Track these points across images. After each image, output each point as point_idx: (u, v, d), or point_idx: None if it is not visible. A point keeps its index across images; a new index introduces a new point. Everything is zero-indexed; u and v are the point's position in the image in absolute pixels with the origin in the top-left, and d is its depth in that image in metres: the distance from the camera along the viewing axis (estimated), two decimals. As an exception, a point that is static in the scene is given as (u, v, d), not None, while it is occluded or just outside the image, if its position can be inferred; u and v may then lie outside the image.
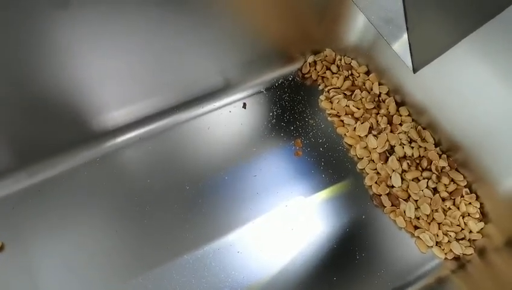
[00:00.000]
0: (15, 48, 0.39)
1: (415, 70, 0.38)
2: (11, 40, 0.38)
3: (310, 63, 0.58)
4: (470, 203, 0.49)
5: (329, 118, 0.55)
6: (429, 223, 0.48)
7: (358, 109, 0.55)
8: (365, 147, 0.53)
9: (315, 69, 0.58)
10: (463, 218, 0.48)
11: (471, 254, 0.47)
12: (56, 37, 0.40)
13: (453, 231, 0.47)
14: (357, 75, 0.57)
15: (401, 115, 0.54)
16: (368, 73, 0.58)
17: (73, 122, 0.48)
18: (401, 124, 0.54)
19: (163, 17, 0.44)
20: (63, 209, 0.47)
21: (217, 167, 0.51)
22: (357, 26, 0.56)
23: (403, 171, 0.51)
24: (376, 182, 0.51)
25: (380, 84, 0.56)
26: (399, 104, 0.55)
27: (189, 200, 0.48)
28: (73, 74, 0.43)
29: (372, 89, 0.56)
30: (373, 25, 0.41)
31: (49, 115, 0.46)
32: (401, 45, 0.40)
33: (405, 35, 0.39)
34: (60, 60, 0.42)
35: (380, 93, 0.56)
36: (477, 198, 0.49)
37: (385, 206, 0.50)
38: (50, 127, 0.47)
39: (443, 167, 0.50)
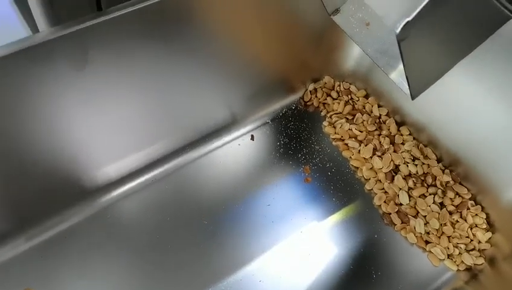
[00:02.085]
0: (8, 113, 0.40)
1: (413, 98, 0.41)
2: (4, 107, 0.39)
3: (310, 91, 0.61)
4: (476, 214, 0.51)
5: (334, 143, 0.58)
6: (439, 237, 0.50)
7: (361, 131, 0.57)
8: (371, 168, 0.55)
9: (316, 96, 0.61)
10: (471, 229, 0.50)
11: (481, 264, 0.49)
12: (50, 100, 0.41)
13: (462, 243, 0.50)
14: (357, 99, 0.60)
15: (402, 135, 0.57)
16: (367, 96, 0.60)
17: (75, 179, 0.49)
18: (403, 143, 0.56)
19: (162, 63, 0.46)
20: (69, 269, 0.47)
21: (230, 200, 0.53)
22: (353, 53, 0.59)
23: (410, 188, 0.53)
24: (385, 201, 0.53)
25: (379, 106, 0.59)
26: (399, 124, 0.58)
27: (206, 235, 0.50)
28: (71, 133, 0.45)
29: (372, 112, 0.59)
30: (370, 57, 0.44)
31: (48, 176, 0.46)
32: (398, 74, 0.43)
33: (401, 66, 0.41)
34: (55, 121, 0.43)
35: (380, 115, 0.58)
36: (483, 209, 0.51)
37: (395, 224, 0.52)
38: (49, 187, 0.47)
39: (447, 182, 0.53)
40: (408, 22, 0.29)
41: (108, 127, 0.48)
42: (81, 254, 0.48)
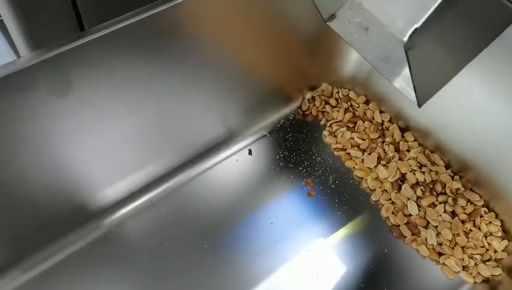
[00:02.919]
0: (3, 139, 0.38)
1: (420, 105, 0.39)
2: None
3: (308, 100, 0.58)
4: (490, 222, 0.48)
5: (335, 153, 0.55)
6: (453, 248, 0.48)
7: (364, 140, 0.55)
8: (376, 178, 0.53)
9: (314, 105, 0.58)
10: (486, 238, 0.48)
11: (499, 275, 0.46)
12: (37, 126, 0.39)
13: (478, 253, 0.47)
14: (357, 105, 0.57)
15: (407, 141, 0.54)
16: (367, 102, 0.58)
17: (71, 205, 0.47)
18: (408, 150, 0.53)
19: (151, 80, 0.44)
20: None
21: (231, 220, 0.50)
22: (351, 58, 0.57)
23: (418, 198, 0.50)
24: (393, 213, 0.50)
25: (381, 112, 0.56)
26: (403, 130, 0.55)
27: (208, 258, 0.48)
28: (67, 158, 0.43)
29: (374, 118, 0.56)
30: (371, 64, 0.41)
31: (46, 203, 0.45)
32: (402, 81, 0.40)
33: (405, 71, 0.39)
34: (45, 147, 0.41)
35: (383, 121, 0.56)
36: (497, 216, 0.49)
37: (405, 236, 0.49)
38: (46, 215, 0.45)
39: (457, 189, 0.50)
40: (417, 29, 0.26)
41: (101, 150, 0.46)
42: (76, 282, 0.46)
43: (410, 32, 0.26)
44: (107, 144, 0.45)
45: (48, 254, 0.47)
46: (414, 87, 0.34)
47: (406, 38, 0.26)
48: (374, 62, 0.41)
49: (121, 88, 0.42)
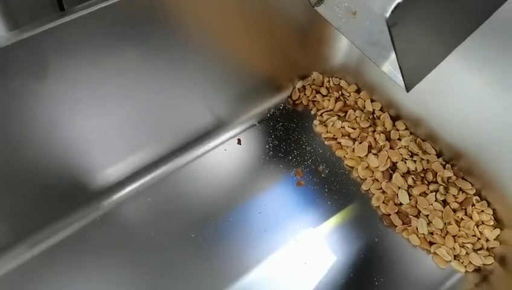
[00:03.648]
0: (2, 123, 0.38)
1: (408, 90, 0.38)
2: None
3: (298, 89, 0.58)
4: (482, 210, 0.47)
5: (326, 142, 0.54)
6: (444, 237, 0.47)
7: (354, 129, 0.54)
8: (367, 167, 0.52)
9: (305, 94, 0.57)
10: (477, 227, 0.47)
11: (491, 264, 0.46)
12: (39, 107, 0.39)
13: (469, 242, 0.46)
14: (348, 94, 0.56)
15: (398, 130, 0.53)
16: (358, 91, 0.57)
17: (64, 188, 0.46)
18: (399, 139, 0.53)
19: (136, 66, 0.43)
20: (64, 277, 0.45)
21: (219, 210, 0.49)
22: (341, 46, 0.56)
23: (409, 186, 0.50)
24: (383, 202, 0.50)
25: (372, 100, 0.56)
26: (394, 119, 0.54)
27: (196, 248, 0.47)
28: (57, 142, 0.42)
29: (365, 107, 0.55)
30: (359, 48, 0.41)
31: (40, 185, 0.44)
32: (390, 66, 0.40)
33: (393, 56, 0.38)
34: (44, 128, 0.41)
35: (374, 110, 0.55)
36: (489, 204, 0.48)
37: (396, 226, 0.48)
38: (39, 198, 0.45)
39: (449, 177, 0.49)
40: (399, 3, 0.25)
41: (84, 139, 0.45)
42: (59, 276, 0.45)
43: (392, 7, 0.25)
44: (90, 132, 0.44)
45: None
46: (400, 68, 0.33)
47: (387, 15, 0.25)
48: (361, 47, 0.40)
49: (105, 74, 0.41)
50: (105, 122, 0.44)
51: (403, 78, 0.35)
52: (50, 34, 0.34)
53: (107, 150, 0.47)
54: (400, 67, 0.33)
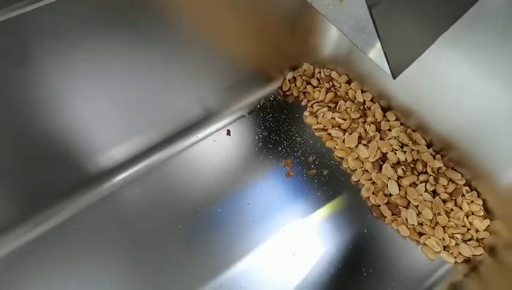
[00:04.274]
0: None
1: (394, 76, 0.37)
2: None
3: (289, 80, 0.57)
4: (472, 201, 0.47)
5: (316, 133, 0.54)
6: (433, 228, 0.46)
7: (345, 120, 0.53)
8: (357, 158, 0.51)
9: (295, 85, 0.57)
10: (467, 218, 0.47)
11: (481, 254, 0.45)
12: (19, 92, 0.38)
13: (459, 233, 0.46)
14: (339, 85, 0.56)
15: (388, 120, 0.53)
16: (349, 82, 0.56)
17: (46, 179, 0.46)
18: (390, 130, 0.52)
19: (121, 54, 0.42)
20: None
21: (208, 201, 0.49)
22: (331, 37, 0.55)
23: (399, 177, 0.49)
24: (373, 193, 0.49)
25: (362, 91, 0.55)
26: (385, 110, 0.54)
27: (184, 240, 0.46)
28: (35, 132, 0.42)
29: (355, 98, 0.55)
30: (346, 35, 0.40)
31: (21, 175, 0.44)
32: (376, 53, 0.39)
33: (379, 43, 0.38)
34: (26, 115, 0.40)
35: (364, 101, 0.55)
36: (479, 195, 0.47)
37: (386, 217, 0.48)
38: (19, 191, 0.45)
39: (439, 168, 0.49)
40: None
41: (69, 128, 0.44)
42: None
43: (371, -14, 0.25)
44: (74, 121, 0.43)
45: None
46: (385, 53, 0.32)
47: (367, -6, 0.25)
48: (348, 33, 0.40)
49: (87, 62, 0.40)
50: (90, 113, 0.44)
51: (388, 63, 0.35)
52: (25, 18, 0.33)
53: (93, 140, 0.46)
54: (384, 52, 0.33)
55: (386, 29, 0.30)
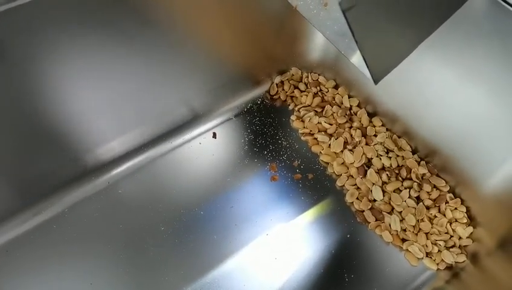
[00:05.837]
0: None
1: (375, 82, 0.37)
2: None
3: (277, 84, 0.57)
4: (455, 208, 0.47)
5: (302, 138, 0.54)
6: (416, 234, 0.46)
7: (331, 124, 0.53)
8: (342, 163, 0.51)
9: (283, 90, 0.57)
10: (450, 224, 0.46)
11: (463, 261, 0.45)
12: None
13: (442, 240, 0.46)
14: (326, 90, 0.56)
15: (374, 126, 0.53)
16: (336, 87, 0.56)
17: (28, 179, 0.46)
18: (375, 135, 0.52)
19: (105, 54, 0.42)
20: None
21: (191, 203, 0.49)
22: (319, 41, 0.55)
23: (383, 183, 0.49)
24: (357, 198, 0.49)
25: (349, 96, 0.55)
26: (371, 115, 0.54)
27: (166, 242, 0.46)
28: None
29: (342, 103, 0.55)
30: (329, 40, 0.40)
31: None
32: (359, 58, 0.39)
33: (360, 47, 0.37)
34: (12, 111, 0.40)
35: (351, 106, 0.55)
36: (462, 202, 0.47)
37: (369, 222, 0.48)
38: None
39: (423, 174, 0.49)
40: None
41: (52, 128, 0.44)
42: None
43: (344, -11, 0.25)
44: (58, 121, 0.43)
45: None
46: (363, 57, 0.32)
47: (340, -3, 0.25)
48: (331, 38, 0.40)
49: (70, 63, 0.40)
50: (72, 112, 0.44)
51: (368, 68, 0.35)
52: (2, 17, 0.33)
53: (76, 140, 0.46)
54: (362, 56, 0.33)
55: (363, 33, 0.30)
